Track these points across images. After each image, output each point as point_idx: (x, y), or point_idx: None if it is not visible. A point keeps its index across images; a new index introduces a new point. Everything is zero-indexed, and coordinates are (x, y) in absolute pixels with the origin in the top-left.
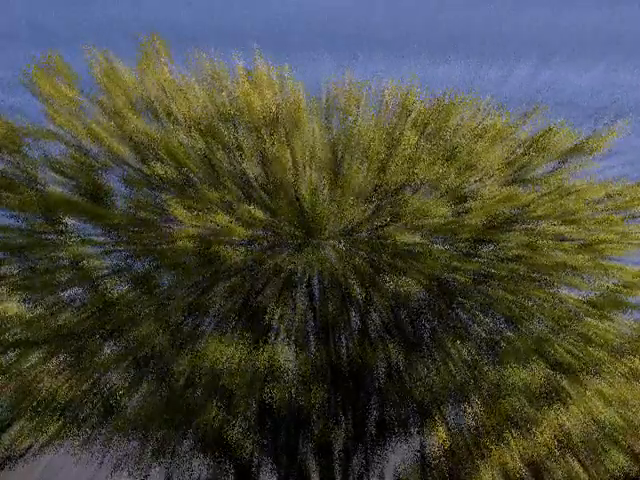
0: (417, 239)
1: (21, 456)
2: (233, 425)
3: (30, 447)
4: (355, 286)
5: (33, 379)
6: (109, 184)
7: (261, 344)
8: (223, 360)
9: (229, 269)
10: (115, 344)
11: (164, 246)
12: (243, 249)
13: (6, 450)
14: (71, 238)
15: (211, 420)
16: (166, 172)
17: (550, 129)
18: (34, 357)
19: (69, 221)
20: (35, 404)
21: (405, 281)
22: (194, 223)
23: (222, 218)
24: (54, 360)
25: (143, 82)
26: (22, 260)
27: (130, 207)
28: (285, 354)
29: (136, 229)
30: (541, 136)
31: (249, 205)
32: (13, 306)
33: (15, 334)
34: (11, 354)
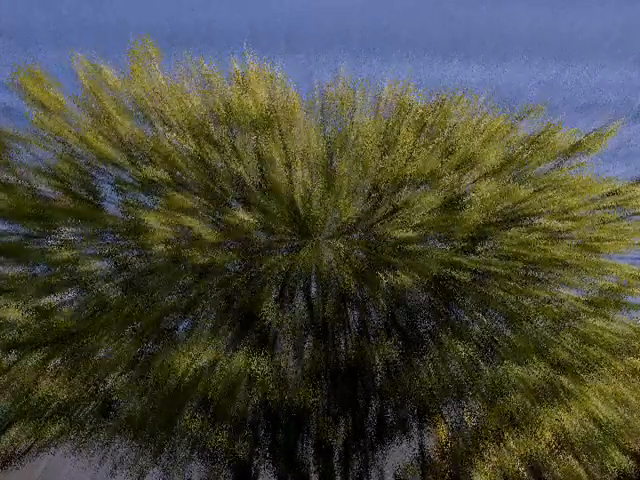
0: (414, 235)
1: (21, 457)
2: (229, 428)
3: (30, 448)
4: (352, 285)
5: (32, 381)
6: (100, 187)
7: (258, 347)
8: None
9: (223, 270)
10: (111, 346)
11: (158, 247)
12: (230, 252)
13: (6, 451)
14: (63, 242)
15: (201, 427)
16: (158, 174)
17: (549, 127)
18: (32, 359)
19: (61, 225)
20: (34, 406)
21: (403, 279)
22: (164, 228)
23: (194, 222)
24: (52, 362)
25: (134, 85)
26: (15, 264)
27: (122, 210)
28: (284, 356)
29: (128, 232)
30: (540, 134)
31: (245, 206)
32: (9, 309)
33: (12, 336)
34: (9, 356)
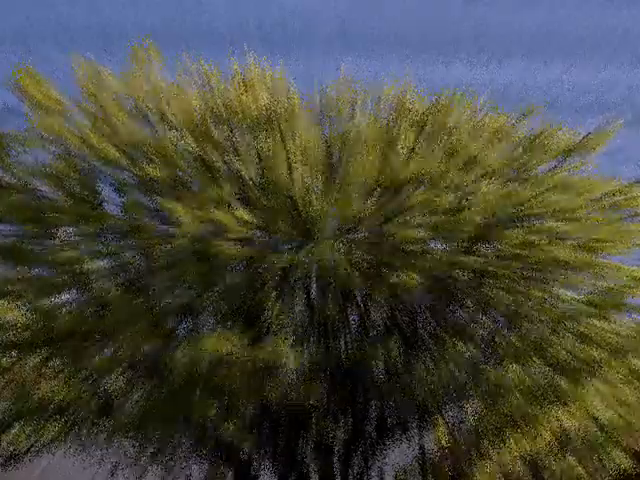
0: (414, 235)
1: (21, 457)
2: (231, 424)
3: (30, 448)
4: (354, 285)
5: (32, 381)
6: (100, 187)
7: (259, 342)
8: (223, 353)
9: (225, 268)
10: (111, 346)
11: (159, 247)
12: (240, 248)
13: (5, 452)
14: (63, 242)
15: (207, 418)
16: (159, 174)
17: (550, 127)
18: (32, 359)
19: (61, 225)
20: (34, 406)
21: (404, 279)
22: (192, 222)
23: (223, 215)
24: (52, 362)
25: (133, 85)
26: (15, 264)
27: (123, 210)
28: (285, 351)
29: (129, 231)
30: (541, 134)
31: (245, 206)
32: (9, 309)
33: (12, 336)
34: (9, 356)
